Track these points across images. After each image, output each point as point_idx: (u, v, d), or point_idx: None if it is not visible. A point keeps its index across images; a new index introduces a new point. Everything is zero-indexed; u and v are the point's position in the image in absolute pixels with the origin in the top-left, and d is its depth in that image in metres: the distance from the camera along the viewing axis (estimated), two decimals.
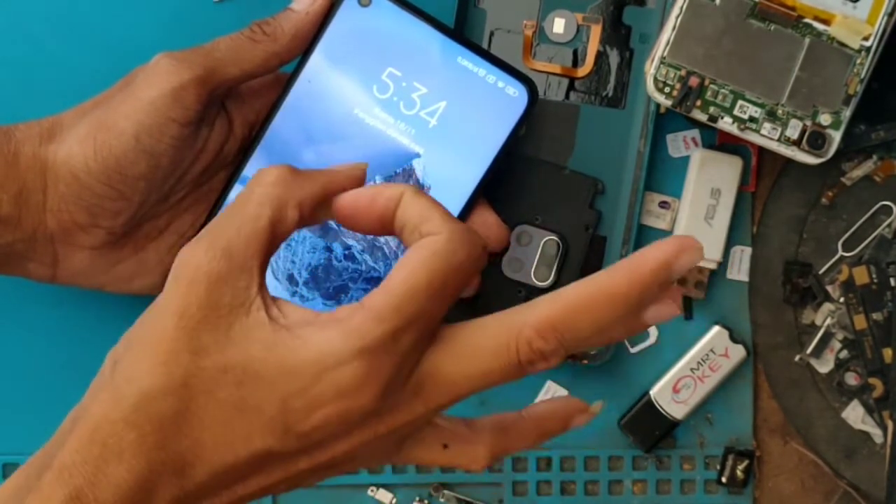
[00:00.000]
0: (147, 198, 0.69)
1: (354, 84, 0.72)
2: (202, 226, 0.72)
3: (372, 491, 0.78)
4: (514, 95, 0.72)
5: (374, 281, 0.74)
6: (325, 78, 0.72)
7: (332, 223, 0.72)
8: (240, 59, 0.69)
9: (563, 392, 0.78)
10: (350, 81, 0.72)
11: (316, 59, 0.72)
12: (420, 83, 0.72)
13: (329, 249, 0.73)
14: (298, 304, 0.73)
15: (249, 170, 0.72)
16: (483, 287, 0.77)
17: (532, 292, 0.77)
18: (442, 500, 0.78)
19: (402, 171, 0.72)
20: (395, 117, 0.72)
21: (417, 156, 0.72)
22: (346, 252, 0.73)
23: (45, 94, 0.72)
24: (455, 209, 0.73)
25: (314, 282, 0.74)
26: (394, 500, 0.79)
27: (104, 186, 0.68)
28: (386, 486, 0.78)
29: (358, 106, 0.72)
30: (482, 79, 0.72)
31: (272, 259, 0.68)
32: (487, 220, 0.73)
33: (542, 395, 0.78)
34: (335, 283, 0.74)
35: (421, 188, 0.71)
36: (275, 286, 0.73)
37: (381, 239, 0.73)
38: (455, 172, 0.72)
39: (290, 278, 0.74)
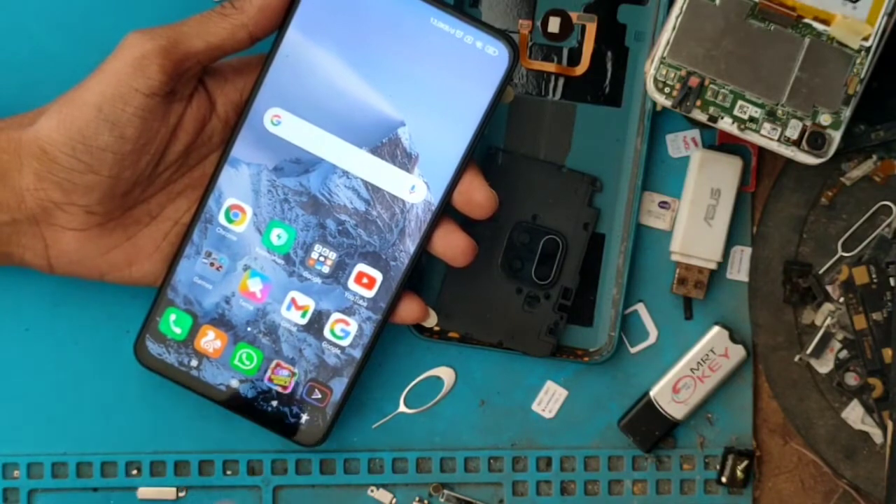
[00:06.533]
0: (119, 173, 0.70)
1: (332, 56, 0.72)
2: (196, 211, 0.73)
3: (372, 491, 0.78)
4: (495, 55, 0.71)
5: (370, 256, 0.73)
6: (302, 52, 0.72)
7: (320, 196, 0.72)
8: (205, 32, 0.70)
9: (563, 392, 0.78)
10: (328, 53, 0.72)
11: (292, 34, 0.71)
12: (398, 49, 0.71)
13: (322, 227, 0.73)
14: (297, 284, 0.73)
15: (238, 150, 0.72)
16: (483, 287, 0.77)
17: (532, 291, 0.77)
18: (442, 499, 0.78)
19: (388, 141, 0.72)
20: (375, 86, 0.72)
21: (402, 124, 0.72)
22: (340, 228, 0.73)
23: (44, 94, 0.73)
24: (445, 175, 0.72)
25: (311, 260, 0.74)
26: (394, 500, 0.78)
27: (69, 158, 0.69)
28: (386, 486, 0.78)
29: (338, 77, 0.72)
30: (460, 40, 0.71)
31: (270, 240, 0.72)
32: (474, 183, 0.72)
33: (542, 396, 0.78)
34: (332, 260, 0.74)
35: (409, 157, 0.72)
36: (273, 268, 0.74)
37: (374, 212, 0.73)
38: (442, 138, 0.72)
39: (287, 259, 0.74)
